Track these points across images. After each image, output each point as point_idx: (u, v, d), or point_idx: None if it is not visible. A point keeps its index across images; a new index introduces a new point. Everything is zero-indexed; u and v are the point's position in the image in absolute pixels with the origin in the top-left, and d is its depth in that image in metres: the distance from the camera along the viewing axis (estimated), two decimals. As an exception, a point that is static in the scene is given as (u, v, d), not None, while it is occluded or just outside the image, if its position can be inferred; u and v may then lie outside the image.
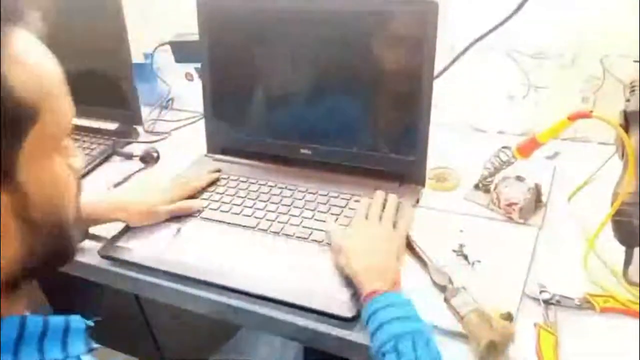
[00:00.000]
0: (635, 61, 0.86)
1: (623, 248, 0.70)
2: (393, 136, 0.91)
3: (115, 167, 1.10)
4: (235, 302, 0.75)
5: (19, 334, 0.40)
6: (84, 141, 1.16)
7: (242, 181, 0.96)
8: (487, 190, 0.88)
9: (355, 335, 0.68)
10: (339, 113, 0.92)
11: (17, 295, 0.44)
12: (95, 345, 0.46)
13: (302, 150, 0.96)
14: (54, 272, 0.47)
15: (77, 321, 0.45)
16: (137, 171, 1.07)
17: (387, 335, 0.60)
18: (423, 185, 0.91)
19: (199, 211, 0.89)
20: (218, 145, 1.05)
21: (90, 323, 0.46)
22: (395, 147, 0.90)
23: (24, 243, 0.42)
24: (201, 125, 1.07)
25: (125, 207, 0.84)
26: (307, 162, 0.96)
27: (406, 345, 0.59)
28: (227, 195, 0.93)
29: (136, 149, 1.13)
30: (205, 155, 1.05)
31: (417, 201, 0.89)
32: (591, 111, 0.72)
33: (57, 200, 0.44)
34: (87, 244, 0.86)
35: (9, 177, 0.39)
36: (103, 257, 0.83)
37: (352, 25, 0.86)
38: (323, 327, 0.70)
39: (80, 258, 0.85)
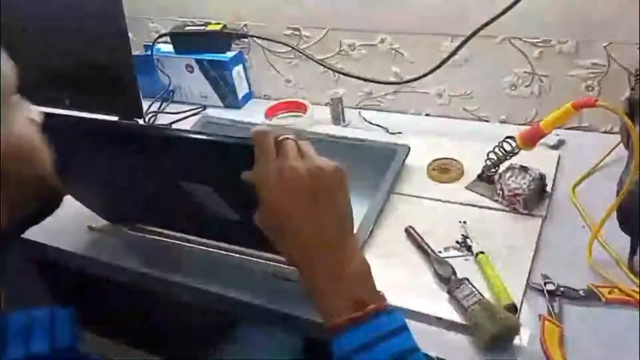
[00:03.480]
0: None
1: (628, 238, 0.69)
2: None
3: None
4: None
5: (2, 331, 0.41)
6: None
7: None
8: (490, 181, 0.87)
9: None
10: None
11: None
12: (80, 337, 0.46)
13: None
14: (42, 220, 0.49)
15: (61, 311, 0.45)
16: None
17: None
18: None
19: None
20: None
21: (74, 314, 0.46)
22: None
23: (8, 202, 0.42)
24: (202, 117, 1.06)
25: None
26: None
27: None
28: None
29: (137, 141, 1.12)
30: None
31: None
32: (596, 99, 0.71)
33: (26, 154, 0.45)
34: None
35: None
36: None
37: None
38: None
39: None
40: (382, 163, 0.93)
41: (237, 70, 1.21)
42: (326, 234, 0.48)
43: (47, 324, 0.43)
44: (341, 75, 1.13)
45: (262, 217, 0.50)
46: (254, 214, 0.52)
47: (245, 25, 1.19)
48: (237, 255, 0.80)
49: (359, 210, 0.83)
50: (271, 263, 0.77)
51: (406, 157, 0.93)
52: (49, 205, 0.49)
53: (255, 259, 0.79)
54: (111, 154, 0.69)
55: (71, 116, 0.71)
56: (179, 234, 0.84)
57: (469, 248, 0.76)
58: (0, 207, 0.42)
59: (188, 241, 0.83)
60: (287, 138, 0.50)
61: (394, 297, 0.64)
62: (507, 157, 0.85)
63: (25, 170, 0.45)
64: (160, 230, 0.86)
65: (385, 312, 0.47)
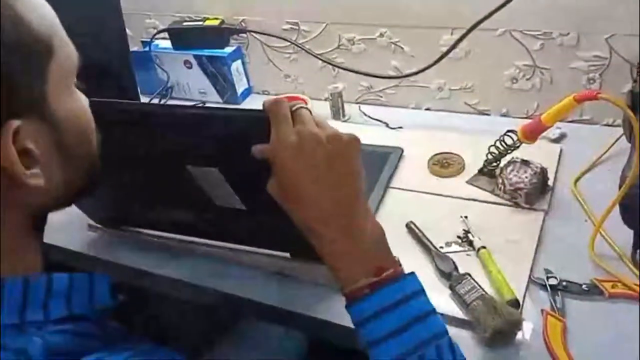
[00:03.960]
0: (642, 40, 0.85)
1: (631, 232, 0.69)
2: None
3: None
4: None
5: (47, 290, 0.43)
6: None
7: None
8: (492, 175, 0.87)
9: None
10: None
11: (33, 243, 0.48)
12: (121, 297, 0.49)
13: None
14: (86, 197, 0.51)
15: (101, 277, 0.48)
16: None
17: (399, 352, 0.46)
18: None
19: None
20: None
21: (111, 280, 0.49)
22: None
23: (66, 174, 0.46)
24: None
25: None
26: None
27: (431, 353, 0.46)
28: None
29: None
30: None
31: None
32: (598, 92, 0.70)
33: (86, 130, 0.49)
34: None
35: (42, 108, 0.42)
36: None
37: None
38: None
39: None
40: (377, 163, 0.93)
41: (236, 65, 1.20)
42: (343, 197, 0.49)
43: (87, 286, 0.46)
44: (341, 70, 1.12)
45: (279, 184, 0.50)
46: (261, 197, 0.53)
47: (243, 20, 1.18)
48: (239, 252, 0.79)
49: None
50: (274, 260, 0.77)
51: (399, 159, 0.94)
52: (94, 182, 0.52)
53: (257, 257, 0.78)
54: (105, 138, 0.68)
55: None
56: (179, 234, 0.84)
57: (470, 243, 0.76)
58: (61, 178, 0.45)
59: (189, 239, 0.83)
60: (302, 107, 0.51)
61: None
62: (509, 151, 0.84)
63: (85, 146, 0.48)
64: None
65: (402, 276, 0.50)
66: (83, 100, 0.50)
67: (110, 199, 0.81)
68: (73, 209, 0.80)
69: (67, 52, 0.46)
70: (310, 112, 0.51)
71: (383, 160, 0.94)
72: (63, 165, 0.45)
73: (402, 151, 0.96)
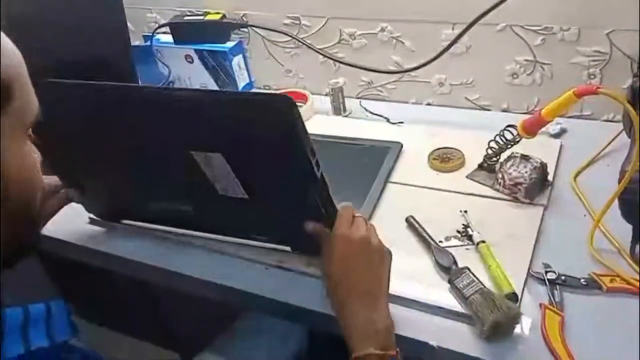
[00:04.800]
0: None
1: (630, 226, 0.69)
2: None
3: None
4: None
5: (27, 317, 0.41)
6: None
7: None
8: (491, 170, 0.87)
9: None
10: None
11: None
12: (76, 332, 0.46)
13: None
14: (13, 265, 0.46)
15: (59, 305, 0.45)
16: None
17: None
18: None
19: None
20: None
21: (70, 308, 0.46)
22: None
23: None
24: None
25: None
26: None
27: None
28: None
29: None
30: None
31: None
32: (598, 87, 0.70)
33: (29, 185, 0.45)
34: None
35: None
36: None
37: None
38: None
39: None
40: (377, 158, 0.94)
41: (237, 60, 1.20)
42: (373, 286, 0.61)
43: (43, 319, 0.43)
44: (341, 65, 1.13)
45: (329, 260, 0.63)
46: (262, 185, 0.64)
47: (244, 14, 1.18)
48: (238, 245, 0.80)
49: (357, 203, 0.83)
50: (273, 253, 0.77)
51: (399, 154, 0.95)
52: (25, 247, 0.47)
53: (257, 250, 0.79)
54: (110, 123, 0.66)
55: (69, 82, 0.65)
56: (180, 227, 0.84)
57: (469, 237, 0.76)
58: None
59: (189, 232, 0.83)
60: (361, 216, 0.66)
61: (395, 286, 0.65)
62: (509, 146, 0.84)
63: (24, 208, 0.44)
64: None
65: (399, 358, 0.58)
66: (34, 157, 0.46)
67: (112, 191, 0.81)
68: (73, 203, 0.82)
69: (27, 100, 0.43)
70: (366, 221, 0.66)
71: (383, 155, 0.94)
72: (4, 219, 0.41)
73: (402, 146, 0.96)
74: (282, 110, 0.55)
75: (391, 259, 0.64)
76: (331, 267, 0.62)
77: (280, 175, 0.63)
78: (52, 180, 0.78)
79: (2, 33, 0.41)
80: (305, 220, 0.66)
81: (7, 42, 0.42)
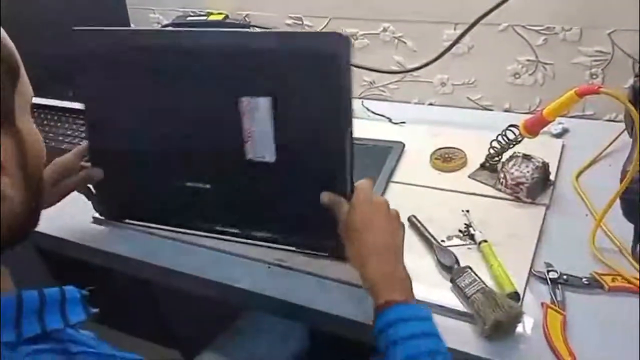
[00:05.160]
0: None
1: (631, 226, 0.69)
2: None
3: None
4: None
5: (18, 309, 0.42)
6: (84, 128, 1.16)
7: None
8: (493, 170, 0.87)
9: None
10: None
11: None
12: (93, 310, 0.47)
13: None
14: (12, 246, 0.47)
15: (72, 291, 0.47)
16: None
17: (404, 354, 0.55)
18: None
19: None
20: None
21: (85, 292, 0.48)
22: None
23: (25, 194, 0.44)
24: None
25: None
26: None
27: None
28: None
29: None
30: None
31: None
32: (600, 86, 0.70)
33: (40, 157, 0.47)
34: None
35: (10, 120, 0.43)
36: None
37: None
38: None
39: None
40: (379, 157, 0.94)
41: (240, 60, 1.20)
42: (392, 245, 0.64)
43: (58, 303, 0.45)
44: (344, 65, 1.13)
45: (350, 227, 0.64)
46: (295, 144, 0.65)
47: (247, 15, 1.18)
48: (240, 245, 0.80)
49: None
50: (273, 251, 0.77)
51: (401, 154, 0.95)
52: (29, 224, 0.48)
53: (257, 249, 0.79)
54: (144, 76, 0.67)
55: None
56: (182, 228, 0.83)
57: (471, 237, 0.76)
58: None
59: (192, 232, 0.83)
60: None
61: (397, 285, 0.65)
62: (511, 146, 0.84)
63: (38, 173, 0.47)
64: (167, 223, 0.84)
65: (417, 304, 0.61)
66: (37, 131, 0.49)
67: (134, 167, 0.78)
68: (78, 202, 0.82)
69: (27, 81, 0.47)
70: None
71: (385, 155, 0.94)
72: (23, 184, 0.44)
73: (404, 146, 0.96)
74: (338, 44, 0.58)
75: (404, 231, 0.67)
76: (352, 224, 0.64)
77: (315, 129, 0.64)
78: (68, 161, 0.80)
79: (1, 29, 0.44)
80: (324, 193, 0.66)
81: (4, 32, 0.45)
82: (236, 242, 0.80)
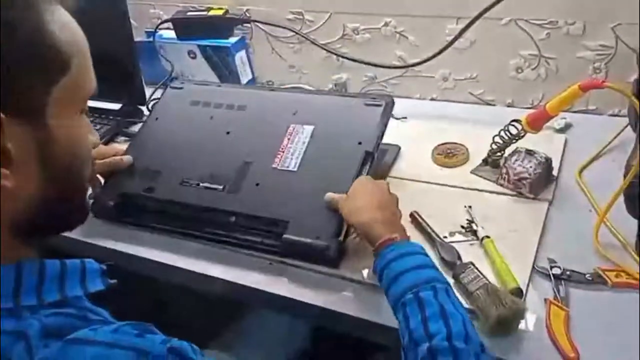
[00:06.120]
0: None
1: (635, 221, 0.69)
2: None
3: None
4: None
5: (40, 275, 0.44)
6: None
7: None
8: (496, 165, 0.87)
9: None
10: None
11: (29, 244, 0.47)
12: (112, 281, 0.50)
13: None
14: (64, 231, 0.52)
15: (92, 263, 0.50)
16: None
17: (407, 284, 0.59)
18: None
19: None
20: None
21: (104, 266, 0.51)
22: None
23: (43, 188, 0.45)
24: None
25: None
26: None
27: (428, 294, 0.57)
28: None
29: (141, 128, 1.12)
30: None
31: None
32: (603, 80, 0.70)
33: (79, 157, 0.48)
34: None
35: (38, 115, 0.43)
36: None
37: None
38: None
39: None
40: (380, 153, 0.92)
41: (240, 56, 1.20)
42: (386, 206, 0.70)
43: (78, 272, 0.48)
44: (345, 60, 1.12)
45: (351, 203, 0.71)
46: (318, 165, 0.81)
47: (247, 10, 1.18)
48: (243, 242, 0.80)
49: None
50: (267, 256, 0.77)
51: (396, 157, 0.94)
52: (73, 216, 0.53)
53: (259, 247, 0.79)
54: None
55: None
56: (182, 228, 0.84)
57: (474, 232, 0.76)
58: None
59: (193, 231, 0.83)
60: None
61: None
62: (513, 141, 0.84)
63: (73, 173, 0.49)
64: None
65: (411, 242, 0.66)
66: (85, 130, 0.50)
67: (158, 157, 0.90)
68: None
69: (84, 77, 0.46)
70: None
71: (385, 150, 0.94)
72: (42, 179, 0.45)
73: (399, 149, 0.95)
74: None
75: (401, 216, 0.72)
76: (352, 193, 0.72)
77: (340, 158, 0.80)
78: (105, 150, 0.88)
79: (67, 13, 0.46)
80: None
81: (72, 21, 0.46)
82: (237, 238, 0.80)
